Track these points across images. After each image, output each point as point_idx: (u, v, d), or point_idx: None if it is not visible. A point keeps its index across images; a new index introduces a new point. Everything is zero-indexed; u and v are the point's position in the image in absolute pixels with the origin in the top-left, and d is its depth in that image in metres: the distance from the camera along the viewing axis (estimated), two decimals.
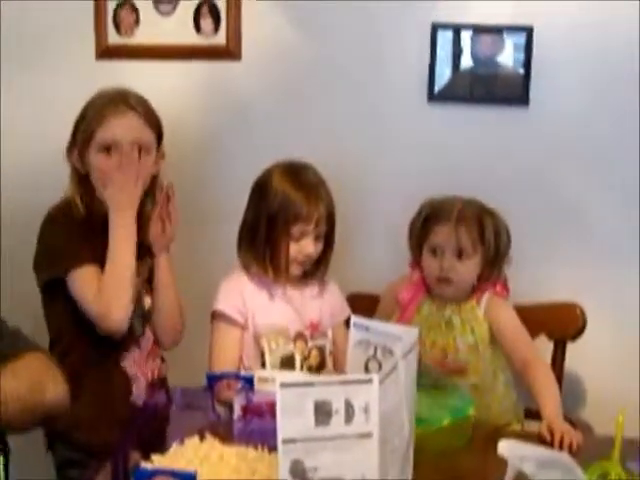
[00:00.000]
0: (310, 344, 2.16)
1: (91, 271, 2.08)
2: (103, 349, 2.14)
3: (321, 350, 2.18)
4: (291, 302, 2.18)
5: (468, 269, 2.21)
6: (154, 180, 2.23)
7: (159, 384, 2.25)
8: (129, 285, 2.06)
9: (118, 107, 2.14)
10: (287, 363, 2.12)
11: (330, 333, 2.20)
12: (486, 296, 2.24)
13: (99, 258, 2.08)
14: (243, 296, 2.14)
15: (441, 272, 2.20)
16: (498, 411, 2.22)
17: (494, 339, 2.23)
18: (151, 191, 2.21)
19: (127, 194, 2.10)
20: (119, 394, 2.17)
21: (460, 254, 2.19)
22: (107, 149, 2.12)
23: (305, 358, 2.14)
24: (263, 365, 2.10)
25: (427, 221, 2.23)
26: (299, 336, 2.15)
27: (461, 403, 1.85)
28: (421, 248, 2.25)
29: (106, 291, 2.03)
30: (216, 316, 2.16)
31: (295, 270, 2.15)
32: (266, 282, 2.16)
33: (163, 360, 2.32)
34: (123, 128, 2.13)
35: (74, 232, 2.12)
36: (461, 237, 2.18)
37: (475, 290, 2.25)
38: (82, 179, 2.18)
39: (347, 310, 2.25)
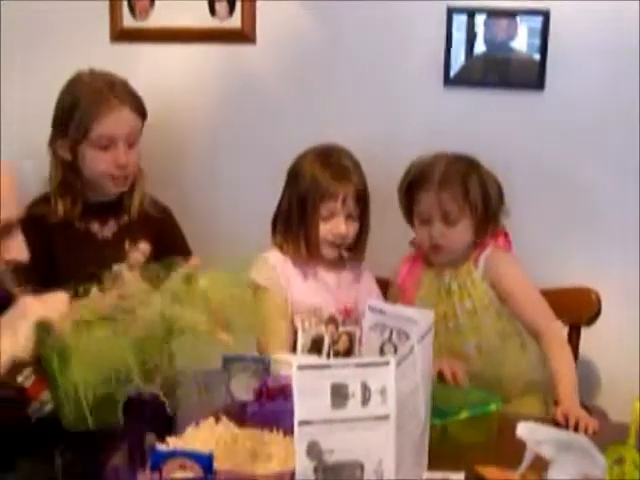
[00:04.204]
0: (341, 329, 2.16)
1: None
2: None
3: (350, 336, 2.16)
4: (327, 284, 2.20)
5: (458, 233, 2.18)
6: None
7: None
8: None
9: (111, 101, 2.18)
10: (317, 344, 2.12)
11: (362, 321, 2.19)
12: (486, 252, 2.21)
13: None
14: (282, 273, 2.17)
15: (431, 240, 2.19)
16: (512, 371, 2.20)
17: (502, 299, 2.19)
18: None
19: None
20: None
21: (447, 219, 2.16)
22: (103, 145, 2.17)
23: (334, 342, 2.14)
24: (295, 343, 2.11)
25: (411, 187, 2.21)
26: (331, 319, 2.16)
27: (480, 400, 1.82)
28: (412, 217, 2.23)
29: None
30: (258, 290, 2.13)
31: (328, 252, 2.17)
32: (301, 263, 2.18)
33: None
34: (118, 123, 2.19)
35: None
36: (445, 203, 2.15)
37: (474, 248, 2.22)
38: (67, 167, 2.21)
39: (380, 298, 2.25)
